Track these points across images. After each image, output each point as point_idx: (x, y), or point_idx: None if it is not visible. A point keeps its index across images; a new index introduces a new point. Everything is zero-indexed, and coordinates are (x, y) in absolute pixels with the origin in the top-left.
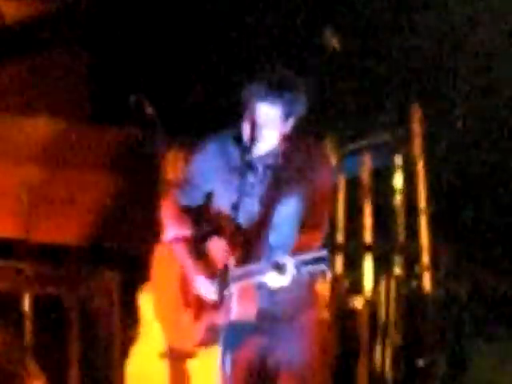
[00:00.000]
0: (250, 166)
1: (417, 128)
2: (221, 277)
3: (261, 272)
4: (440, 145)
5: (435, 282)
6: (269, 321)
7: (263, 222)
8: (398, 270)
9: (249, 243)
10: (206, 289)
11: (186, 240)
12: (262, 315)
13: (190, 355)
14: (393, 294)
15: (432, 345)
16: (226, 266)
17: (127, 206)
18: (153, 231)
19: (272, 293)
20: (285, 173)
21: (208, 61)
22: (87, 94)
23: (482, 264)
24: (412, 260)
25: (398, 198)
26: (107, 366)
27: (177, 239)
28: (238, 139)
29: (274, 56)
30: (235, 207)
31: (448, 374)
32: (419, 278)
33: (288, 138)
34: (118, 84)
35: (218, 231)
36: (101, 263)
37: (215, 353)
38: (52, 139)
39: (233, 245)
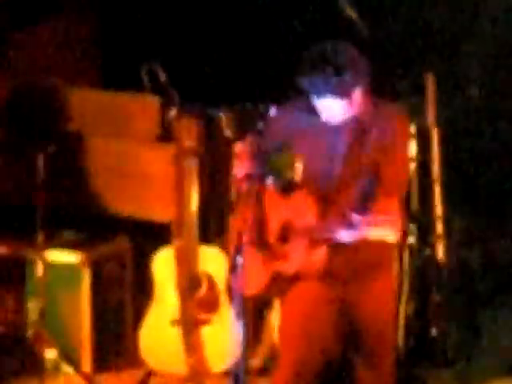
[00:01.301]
0: (334, 129)
1: (431, 97)
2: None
3: (334, 228)
4: (454, 113)
5: (448, 250)
6: (347, 275)
7: (345, 185)
8: (411, 239)
9: (329, 204)
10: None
11: (253, 179)
12: (337, 271)
13: (204, 322)
14: (406, 262)
15: (445, 313)
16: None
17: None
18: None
19: (347, 250)
20: (367, 136)
21: (224, 27)
22: (99, 60)
23: (493, 232)
24: (425, 229)
25: (412, 167)
26: (119, 331)
27: (247, 176)
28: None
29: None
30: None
31: (460, 342)
32: (432, 246)
33: (368, 103)
34: (130, 51)
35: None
36: (113, 228)
37: (228, 319)
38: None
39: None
